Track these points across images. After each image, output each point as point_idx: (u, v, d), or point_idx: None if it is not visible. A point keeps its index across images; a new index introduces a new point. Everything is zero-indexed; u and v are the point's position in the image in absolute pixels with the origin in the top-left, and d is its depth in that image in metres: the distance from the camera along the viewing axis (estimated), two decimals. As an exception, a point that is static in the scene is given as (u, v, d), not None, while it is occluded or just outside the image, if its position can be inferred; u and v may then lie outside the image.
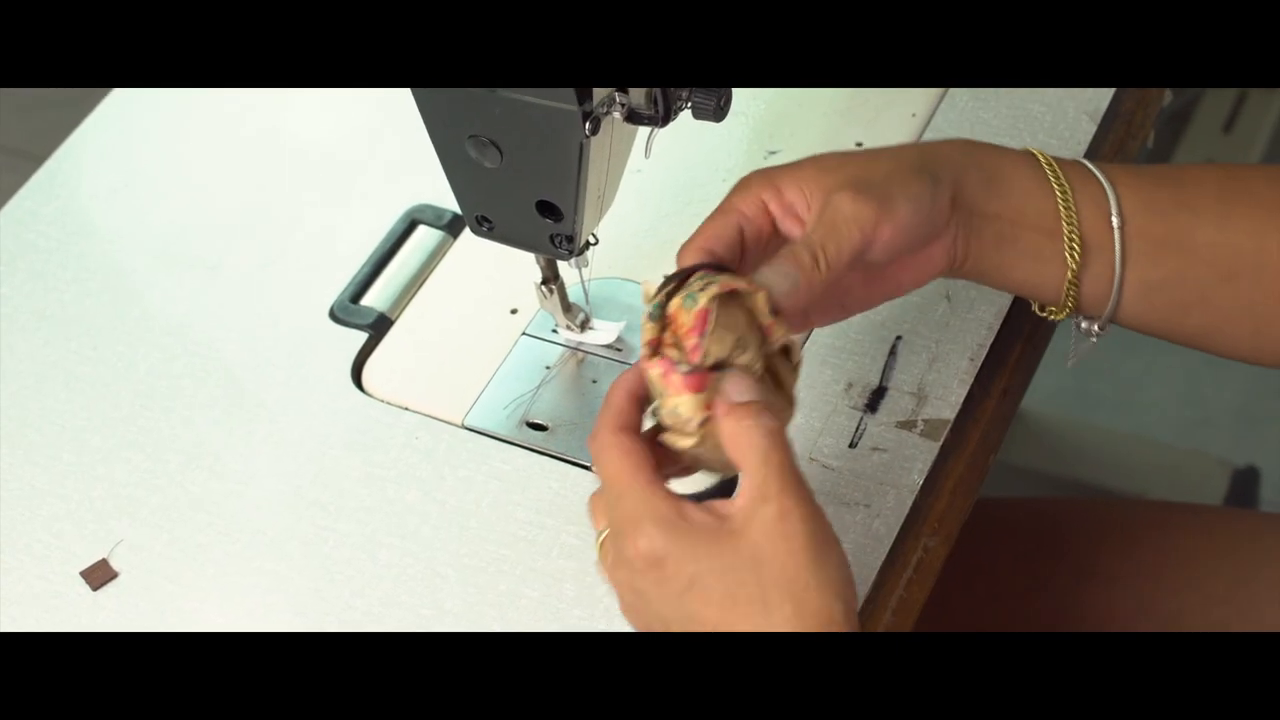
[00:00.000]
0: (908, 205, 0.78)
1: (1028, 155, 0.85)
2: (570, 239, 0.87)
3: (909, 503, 0.88)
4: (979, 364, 0.93)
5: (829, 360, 0.93)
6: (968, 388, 0.92)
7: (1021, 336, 0.95)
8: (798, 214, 0.79)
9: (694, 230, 0.79)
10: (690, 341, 0.73)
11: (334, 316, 1.00)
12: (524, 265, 0.94)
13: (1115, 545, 1.12)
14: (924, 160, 0.81)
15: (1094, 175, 0.85)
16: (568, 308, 0.95)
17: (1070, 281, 0.84)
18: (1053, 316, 0.88)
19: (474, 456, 0.93)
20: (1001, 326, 0.95)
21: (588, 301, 0.96)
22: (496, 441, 0.93)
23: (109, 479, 0.95)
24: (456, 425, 0.94)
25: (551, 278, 0.93)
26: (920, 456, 0.90)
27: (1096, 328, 0.87)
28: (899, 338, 0.94)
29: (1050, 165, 0.84)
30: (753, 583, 0.70)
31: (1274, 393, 1.94)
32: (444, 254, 1.02)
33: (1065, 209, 0.83)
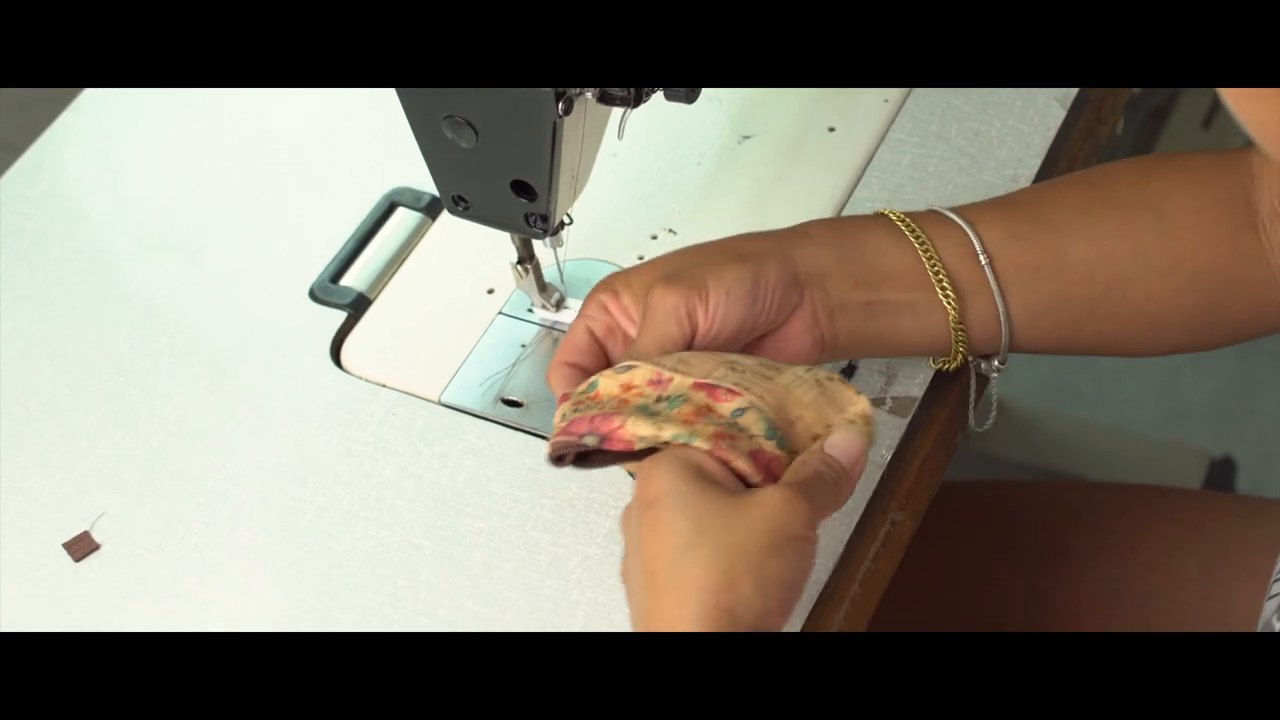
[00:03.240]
0: (720, 287, 0.81)
1: (879, 218, 0.87)
2: (545, 218, 0.89)
3: (876, 477, 0.90)
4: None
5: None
6: (936, 367, 0.93)
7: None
8: (631, 315, 0.85)
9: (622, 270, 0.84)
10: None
11: (314, 296, 1.02)
12: (501, 246, 0.95)
13: (1085, 527, 1.13)
14: (746, 248, 0.84)
15: (951, 219, 0.87)
16: (543, 287, 0.97)
17: (955, 326, 0.86)
18: (946, 366, 0.90)
19: (450, 432, 0.94)
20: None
21: (563, 281, 0.97)
22: (472, 418, 0.95)
23: (92, 454, 0.96)
24: (433, 402, 0.96)
25: (527, 258, 0.95)
26: (888, 433, 0.91)
27: (997, 363, 0.89)
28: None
29: (904, 221, 0.87)
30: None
31: (1251, 385, 1.96)
32: (422, 235, 1.04)
33: (928, 259, 0.86)
